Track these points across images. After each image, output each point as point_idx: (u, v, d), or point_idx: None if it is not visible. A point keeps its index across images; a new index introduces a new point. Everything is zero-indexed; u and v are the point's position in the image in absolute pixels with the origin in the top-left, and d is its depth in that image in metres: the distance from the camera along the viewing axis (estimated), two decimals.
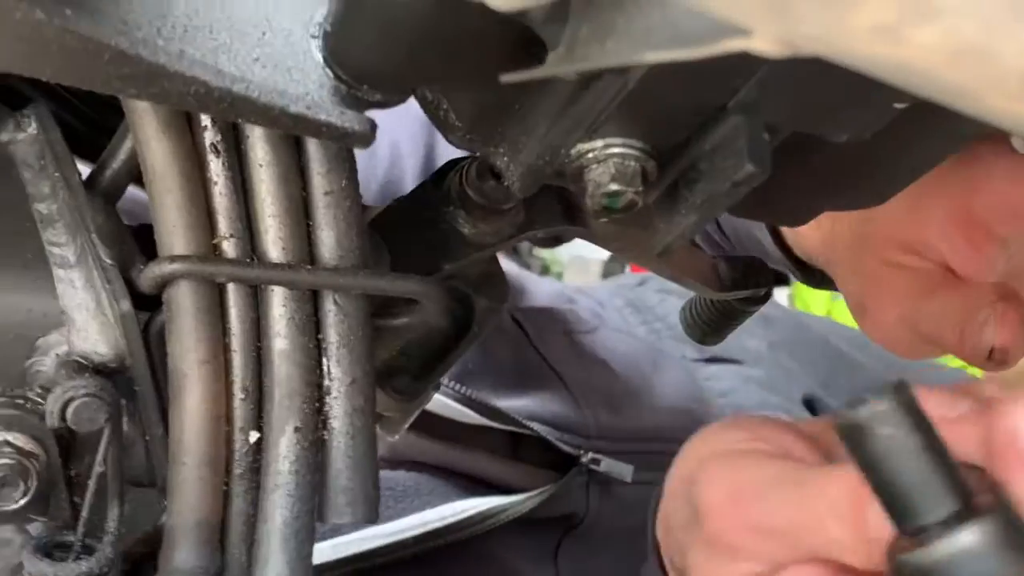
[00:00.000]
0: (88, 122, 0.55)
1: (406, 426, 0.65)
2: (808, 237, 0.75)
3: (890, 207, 0.59)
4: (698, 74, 0.36)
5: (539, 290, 1.23)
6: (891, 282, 0.61)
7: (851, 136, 0.39)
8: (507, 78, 0.33)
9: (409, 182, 1.06)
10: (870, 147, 0.42)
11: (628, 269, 2.56)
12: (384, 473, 0.97)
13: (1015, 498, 0.35)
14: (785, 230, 0.78)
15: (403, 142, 1.08)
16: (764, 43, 0.25)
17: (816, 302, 2.83)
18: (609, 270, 3.39)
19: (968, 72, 0.24)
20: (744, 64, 0.35)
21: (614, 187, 0.39)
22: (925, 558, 0.34)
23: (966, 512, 0.34)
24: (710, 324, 0.75)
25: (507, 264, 1.25)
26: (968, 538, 0.34)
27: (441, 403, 0.96)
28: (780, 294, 3.07)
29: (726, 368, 1.30)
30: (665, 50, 0.28)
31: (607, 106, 0.37)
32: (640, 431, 1.11)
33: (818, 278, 0.80)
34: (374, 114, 0.42)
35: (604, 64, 0.30)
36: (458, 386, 0.97)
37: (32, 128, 0.45)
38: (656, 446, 1.12)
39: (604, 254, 3.19)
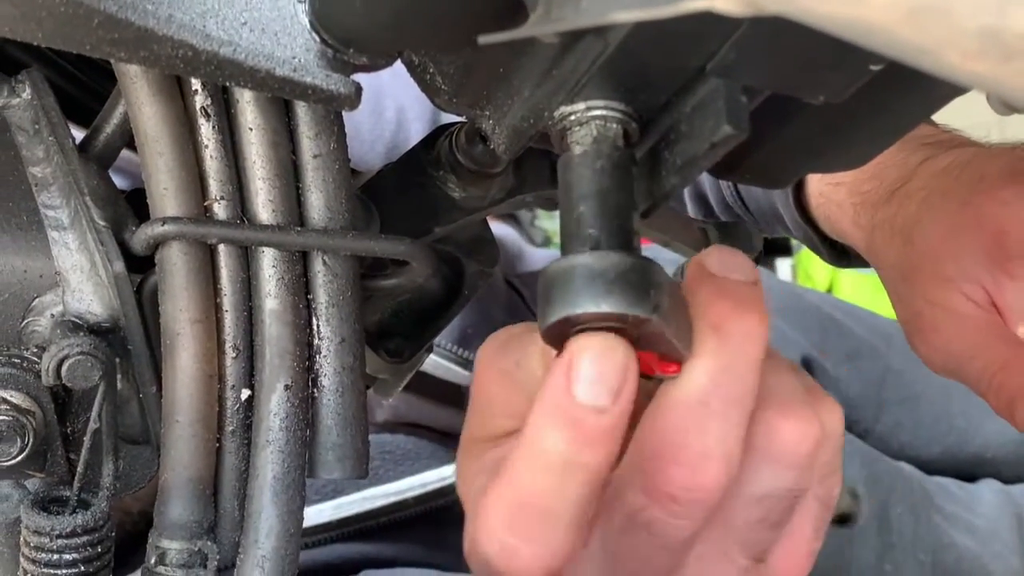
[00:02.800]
0: (82, 87, 0.55)
1: (399, 388, 0.66)
2: (843, 224, 0.77)
3: (927, 234, 0.64)
4: (676, 36, 0.37)
5: (537, 256, 1.24)
6: (936, 328, 0.64)
7: (827, 97, 0.40)
8: (485, 39, 0.33)
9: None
10: (847, 109, 0.42)
11: None
12: (382, 437, 0.98)
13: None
14: (814, 209, 0.80)
15: (409, 106, 1.09)
16: (727, 3, 0.25)
17: (819, 273, 2.84)
18: None
19: (925, 30, 0.24)
20: (720, 26, 0.36)
21: None
22: (550, 267, 0.36)
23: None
24: None
25: (506, 230, 1.26)
26: (586, 260, 0.35)
27: (442, 367, 0.98)
28: (783, 265, 3.07)
29: None
30: (634, 10, 0.28)
31: (588, 68, 0.38)
32: None
33: (847, 257, 0.83)
34: (378, 76, 0.42)
35: (578, 24, 0.31)
36: (458, 349, 0.98)
37: (27, 93, 0.46)
38: None
39: None
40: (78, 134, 0.49)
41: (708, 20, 0.32)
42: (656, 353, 0.38)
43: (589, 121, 0.40)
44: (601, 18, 0.29)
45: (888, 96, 0.44)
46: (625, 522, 0.40)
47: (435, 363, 0.97)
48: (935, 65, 0.27)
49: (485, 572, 0.39)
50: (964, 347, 0.63)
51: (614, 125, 0.40)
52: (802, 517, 0.44)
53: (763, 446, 0.40)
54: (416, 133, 1.08)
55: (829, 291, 2.67)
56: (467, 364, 0.98)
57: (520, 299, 1.13)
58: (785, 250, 3.02)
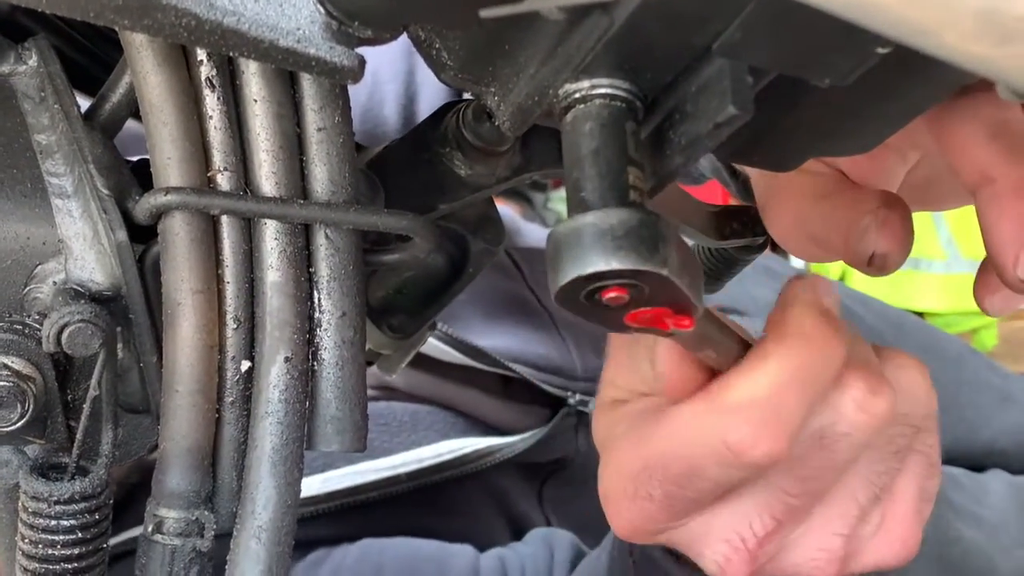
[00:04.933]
0: (89, 56, 0.55)
1: (403, 365, 0.66)
2: None
3: None
4: (681, 15, 0.36)
5: (534, 232, 1.24)
6: (788, 185, 0.64)
7: (833, 80, 0.40)
8: (487, 13, 0.33)
9: (389, 107, 1.06)
10: (855, 94, 0.42)
11: None
12: (380, 405, 0.98)
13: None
14: None
15: (383, 68, 1.08)
16: None
17: (831, 265, 2.83)
18: None
19: (923, 9, 0.24)
20: (726, 5, 0.35)
21: None
22: (557, 229, 0.36)
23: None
24: (708, 272, 0.75)
25: (503, 208, 1.26)
26: (592, 218, 0.36)
27: (429, 344, 0.97)
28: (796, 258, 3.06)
29: (732, 319, 1.30)
30: None
31: (594, 46, 0.38)
32: None
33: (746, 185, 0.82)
34: None
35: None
36: (444, 326, 0.98)
37: (33, 60, 0.46)
38: None
39: None
40: (84, 103, 0.49)
41: None
42: (668, 308, 0.39)
43: (594, 99, 0.40)
44: None
45: (896, 80, 0.44)
46: (816, 436, 0.49)
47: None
48: (935, 46, 0.26)
49: (709, 459, 0.47)
50: (809, 200, 0.63)
51: (619, 103, 0.40)
52: (908, 475, 0.53)
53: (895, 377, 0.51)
54: (390, 94, 1.07)
55: (841, 280, 2.67)
56: (449, 340, 0.98)
57: (519, 273, 1.12)
58: None
